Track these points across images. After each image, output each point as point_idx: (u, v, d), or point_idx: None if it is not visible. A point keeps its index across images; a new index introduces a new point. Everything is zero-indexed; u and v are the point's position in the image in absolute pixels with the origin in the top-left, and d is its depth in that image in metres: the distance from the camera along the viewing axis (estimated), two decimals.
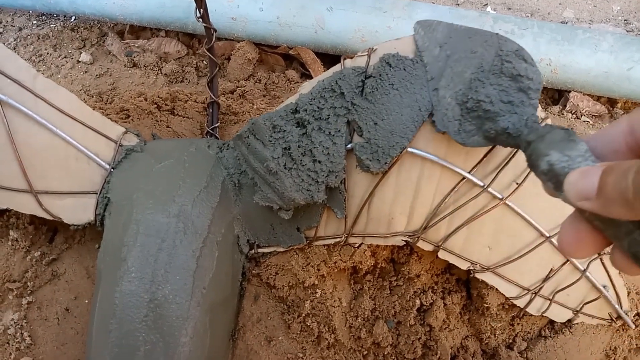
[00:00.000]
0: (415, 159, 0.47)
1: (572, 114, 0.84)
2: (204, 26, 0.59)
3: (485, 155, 0.47)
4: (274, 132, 0.47)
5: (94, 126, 0.54)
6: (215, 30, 0.60)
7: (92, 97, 0.79)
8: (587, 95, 0.84)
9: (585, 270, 0.53)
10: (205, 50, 0.61)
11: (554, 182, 0.28)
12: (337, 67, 0.47)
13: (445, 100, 0.40)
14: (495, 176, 0.48)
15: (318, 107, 0.46)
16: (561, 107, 0.85)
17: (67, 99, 0.53)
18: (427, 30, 0.44)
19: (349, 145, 0.47)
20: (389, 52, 0.45)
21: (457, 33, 0.41)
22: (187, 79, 0.84)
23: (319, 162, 0.46)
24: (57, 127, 0.51)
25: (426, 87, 0.44)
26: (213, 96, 0.64)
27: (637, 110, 0.26)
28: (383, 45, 0.46)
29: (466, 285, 0.59)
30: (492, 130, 0.36)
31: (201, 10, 0.57)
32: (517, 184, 0.49)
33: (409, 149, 0.46)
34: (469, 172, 0.48)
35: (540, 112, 0.50)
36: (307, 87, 0.49)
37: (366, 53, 0.46)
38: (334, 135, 0.46)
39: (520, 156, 0.48)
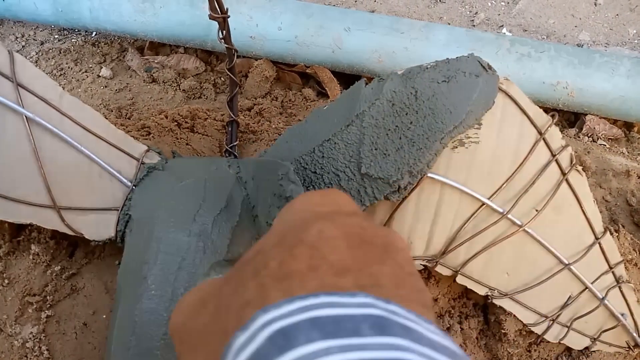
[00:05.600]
0: (435, 184, 0.48)
1: (588, 137, 0.84)
2: (226, 47, 0.60)
3: (505, 182, 0.47)
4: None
5: (117, 144, 0.55)
6: (237, 51, 0.61)
7: (112, 111, 0.81)
8: (604, 118, 0.84)
9: (603, 299, 0.53)
10: (227, 70, 0.61)
11: None
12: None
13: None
14: (515, 203, 0.48)
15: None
16: (577, 130, 0.85)
17: (92, 116, 0.54)
18: None
19: None
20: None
21: None
22: (205, 95, 0.85)
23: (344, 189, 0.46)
24: (82, 145, 0.52)
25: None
26: (232, 115, 0.65)
27: None
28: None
29: (483, 310, 0.58)
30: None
31: (224, 32, 0.58)
32: (536, 210, 0.49)
33: (429, 175, 0.46)
34: (489, 199, 0.48)
35: (559, 138, 0.51)
36: None
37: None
38: None
39: (540, 183, 0.48)
